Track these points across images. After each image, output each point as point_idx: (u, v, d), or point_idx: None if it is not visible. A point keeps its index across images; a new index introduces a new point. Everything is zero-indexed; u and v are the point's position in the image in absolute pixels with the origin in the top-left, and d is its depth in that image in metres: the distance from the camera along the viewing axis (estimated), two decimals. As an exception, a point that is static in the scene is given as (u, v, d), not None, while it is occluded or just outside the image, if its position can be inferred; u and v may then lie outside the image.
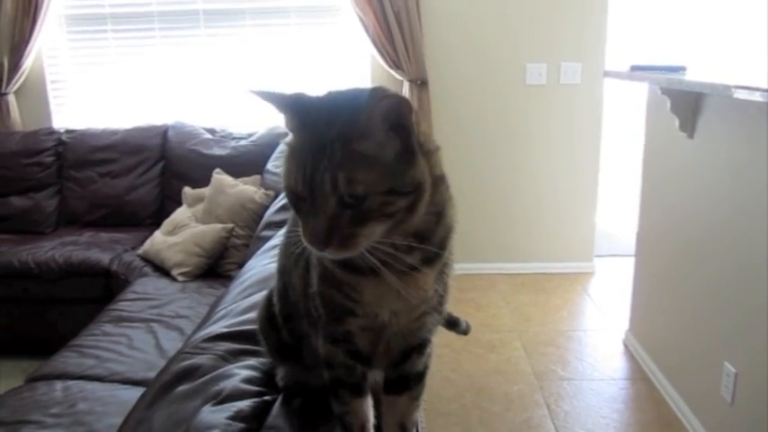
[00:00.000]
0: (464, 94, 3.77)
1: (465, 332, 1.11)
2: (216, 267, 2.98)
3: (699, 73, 2.42)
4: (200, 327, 1.29)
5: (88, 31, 3.91)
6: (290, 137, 0.68)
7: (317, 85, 3.70)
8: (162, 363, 1.64)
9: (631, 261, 3.12)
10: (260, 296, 1.24)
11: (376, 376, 0.85)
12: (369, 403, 0.83)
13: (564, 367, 2.91)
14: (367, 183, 0.63)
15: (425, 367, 0.84)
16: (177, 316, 2.48)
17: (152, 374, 1.41)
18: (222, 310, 1.29)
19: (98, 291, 3.07)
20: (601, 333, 3.26)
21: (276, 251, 1.47)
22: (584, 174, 3.89)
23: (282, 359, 0.97)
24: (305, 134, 0.66)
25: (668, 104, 2.47)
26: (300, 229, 0.66)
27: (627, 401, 2.68)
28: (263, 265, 1.43)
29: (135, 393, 1.27)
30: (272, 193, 3.00)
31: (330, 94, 0.70)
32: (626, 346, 3.11)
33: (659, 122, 2.72)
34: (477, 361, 2.98)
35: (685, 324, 2.53)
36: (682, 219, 2.57)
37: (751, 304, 2.06)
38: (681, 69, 2.52)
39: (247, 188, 3.14)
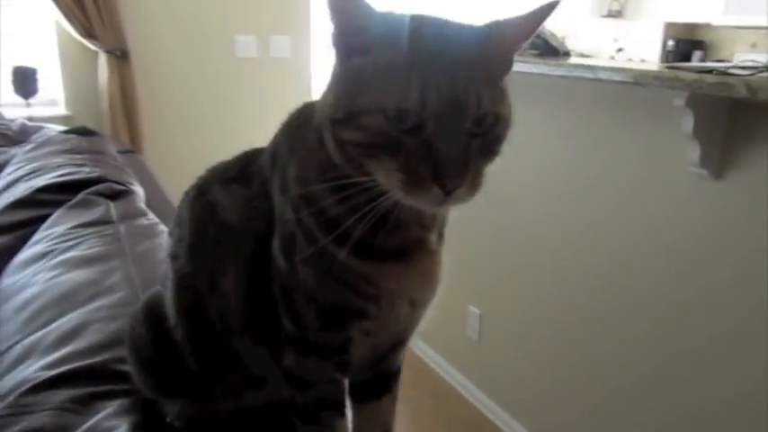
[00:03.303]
0: (171, 65, 3.45)
1: None
2: None
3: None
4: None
5: None
6: (363, 58, 0.54)
7: None
8: None
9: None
10: (76, 320, 0.96)
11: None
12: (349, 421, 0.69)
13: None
14: (502, 104, 0.55)
15: (403, 359, 0.73)
16: None
17: None
18: (10, 348, 0.95)
19: None
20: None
21: (58, 260, 1.16)
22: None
23: (177, 393, 0.75)
24: (412, 47, 0.53)
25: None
26: (397, 174, 0.52)
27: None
28: (47, 279, 1.09)
29: None
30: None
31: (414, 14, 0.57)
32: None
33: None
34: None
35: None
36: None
37: (492, 250, 2.35)
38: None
39: None
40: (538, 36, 2.12)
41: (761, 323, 1.50)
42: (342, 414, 0.67)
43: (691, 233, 1.66)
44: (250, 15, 3.58)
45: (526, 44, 0.58)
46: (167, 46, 3.41)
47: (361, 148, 0.53)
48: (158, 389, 0.76)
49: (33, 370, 0.86)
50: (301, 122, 0.63)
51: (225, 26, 3.52)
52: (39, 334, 0.95)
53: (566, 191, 2.04)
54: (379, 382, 0.72)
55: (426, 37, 0.54)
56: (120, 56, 3.22)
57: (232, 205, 0.66)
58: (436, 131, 0.52)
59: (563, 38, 2.24)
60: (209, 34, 3.50)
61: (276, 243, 0.61)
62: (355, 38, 0.54)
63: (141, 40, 3.30)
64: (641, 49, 4.55)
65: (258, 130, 3.58)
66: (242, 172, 0.68)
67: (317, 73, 3.88)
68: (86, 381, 0.82)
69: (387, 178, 0.53)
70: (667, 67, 1.94)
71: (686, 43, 4.45)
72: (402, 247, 0.61)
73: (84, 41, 3.15)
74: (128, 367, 0.82)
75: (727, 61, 3.97)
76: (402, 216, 0.57)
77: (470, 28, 0.57)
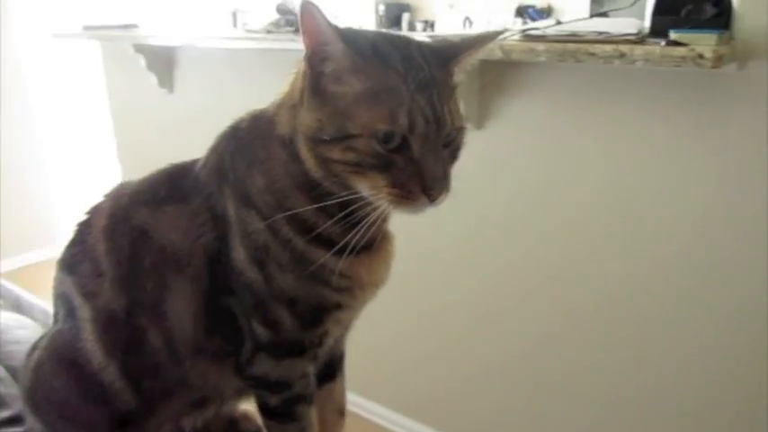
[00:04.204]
0: None
1: None
2: None
3: (154, 28, 2.49)
4: None
5: None
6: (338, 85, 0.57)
7: None
8: None
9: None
10: None
11: None
12: None
13: None
14: (461, 117, 0.62)
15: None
16: None
17: None
18: None
19: None
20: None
21: None
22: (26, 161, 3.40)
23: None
24: (388, 73, 0.57)
25: (143, 62, 2.46)
26: (387, 189, 0.57)
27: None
28: None
29: None
30: None
31: (378, 34, 0.63)
32: None
33: (135, 82, 2.66)
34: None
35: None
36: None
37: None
38: (134, 27, 2.54)
39: None
40: (292, 13, 2.19)
41: (535, 243, 1.82)
42: (311, 403, 0.70)
43: (465, 178, 1.91)
44: None
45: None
46: None
47: (349, 166, 0.57)
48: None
49: None
50: (259, 133, 0.63)
51: None
52: None
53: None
54: (331, 365, 0.77)
55: (397, 60, 0.58)
56: None
57: (172, 226, 0.63)
58: (422, 150, 0.57)
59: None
60: None
61: (241, 256, 0.61)
62: (324, 62, 0.57)
63: None
64: (357, 16, 4.84)
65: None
66: (173, 191, 0.65)
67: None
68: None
69: (375, 192, 0.58)
70: (428, 36, 2.15)
71: (395, 7, 4.86)
72: (371, 241, 0.66)
73: None
74: (21, 427, 0.73)
75: (430, 21, 4.47)
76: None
77: (429, 46, 0.63)
